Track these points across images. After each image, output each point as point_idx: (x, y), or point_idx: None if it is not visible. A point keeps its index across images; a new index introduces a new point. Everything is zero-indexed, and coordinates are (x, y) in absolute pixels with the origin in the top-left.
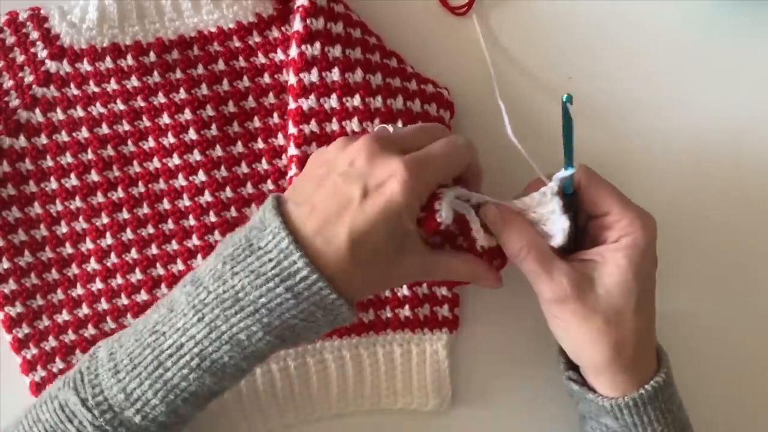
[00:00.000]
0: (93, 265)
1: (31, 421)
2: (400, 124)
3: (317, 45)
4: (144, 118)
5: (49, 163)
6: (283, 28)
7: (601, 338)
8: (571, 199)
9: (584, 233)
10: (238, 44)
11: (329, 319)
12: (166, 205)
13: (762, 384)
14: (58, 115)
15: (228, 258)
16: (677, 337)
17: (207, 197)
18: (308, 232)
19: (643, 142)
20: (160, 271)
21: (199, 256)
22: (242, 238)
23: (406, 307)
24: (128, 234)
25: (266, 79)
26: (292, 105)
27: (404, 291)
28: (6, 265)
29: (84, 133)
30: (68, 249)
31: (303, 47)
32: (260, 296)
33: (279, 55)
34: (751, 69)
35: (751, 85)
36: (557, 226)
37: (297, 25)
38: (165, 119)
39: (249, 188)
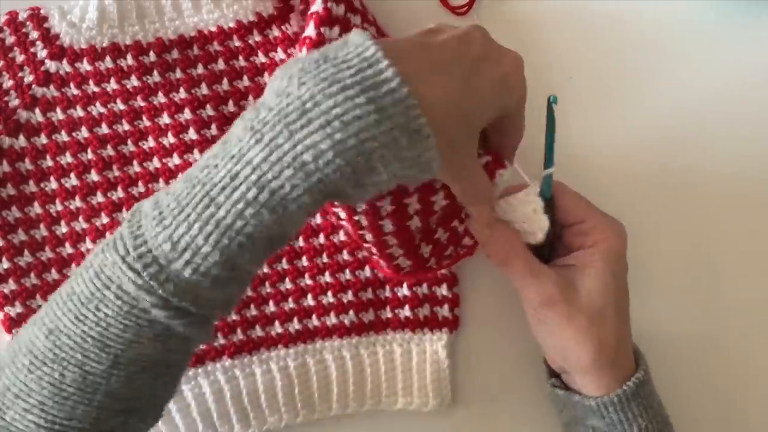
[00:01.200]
0: None
1: (65, 295)
2: None
3: None
4: (144, 118)
5: (49, 162)
6: (283, 27)
7: (586, 337)
8: (548, 203)
9: (559, 241)
10: (238, 43)
11: (413, 155)
12: None
13: (731, 385)
14: (58, 114)
15: (295, 73)
16: (648, 340)
17: None
18: (406, 63)
19: (641, 141)
20: None
21: None
22: (315, 56)
23: (406, 307)
24: None
25: (266, 78)
26: None
27: (404, 291)
28: (6, 265)
29: (84, 133)
30: (68, 249)
31: None
32: (334, 105)
33: (279, 54)
34: (753, 69)
35: (754, 85)
36: (537, 225)
37: (310, 31)
38: (165, 119)
39: None
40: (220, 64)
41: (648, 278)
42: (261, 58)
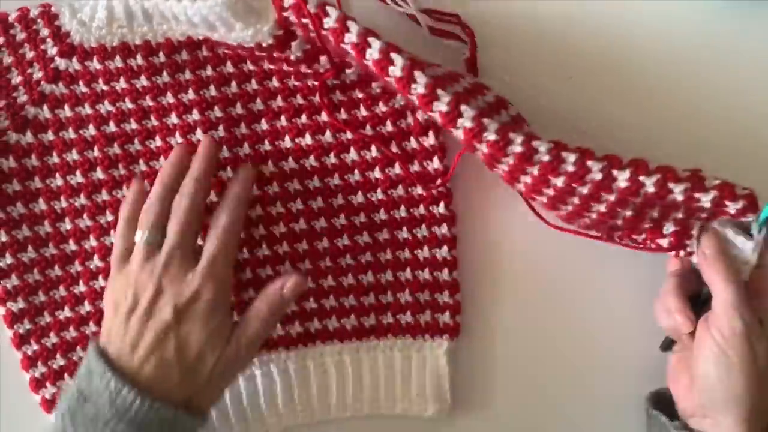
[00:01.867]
0: (96, 262)
1: None
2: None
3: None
4: (152, 118)
5: (55, 159)
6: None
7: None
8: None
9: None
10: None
11: (184, 430)
12: None
13: None
14: (66, 112)
15: (65, 412)
16: None
17: (212, 197)
18: (134, 366)
19: (641, 141)
20: None
21: None
22: (71, 390)
23: (408, 312)
24: None
25: (274, 82)
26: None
27: (406, 296)
28: (9, 260)
29: (91, 131)
30: (71, 246)
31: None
32: None
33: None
34: (754, 70)
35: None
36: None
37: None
38: (173, 119)
39: (254, 190)
40: (229, 67)
41: None
42: (268, 63)
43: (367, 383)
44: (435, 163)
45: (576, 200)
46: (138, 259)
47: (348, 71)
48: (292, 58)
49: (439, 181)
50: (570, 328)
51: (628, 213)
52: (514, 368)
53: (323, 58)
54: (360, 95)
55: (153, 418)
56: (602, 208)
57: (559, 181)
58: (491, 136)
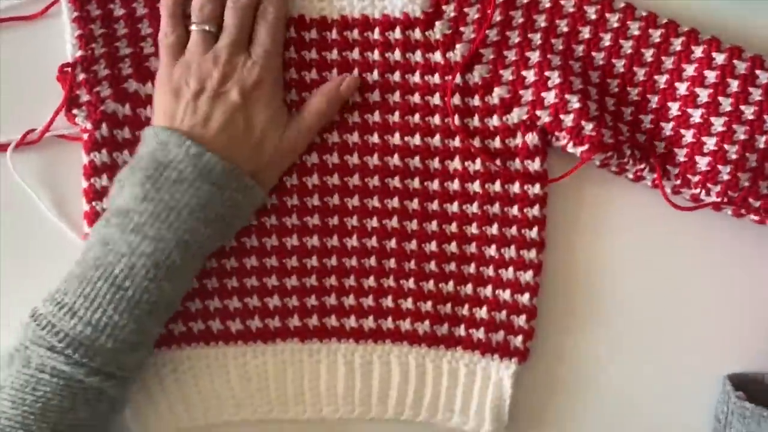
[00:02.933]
0: None
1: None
2: None
3: None
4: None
5: None
6: (426, 33)
7: None
8: None
9: None
10: (377, 37)
11: (249, 201)
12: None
13: None
14: None
15: (143, 180)
16: None
17: (314, 180)
18: (208, 138)
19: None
20: (253, 242)
21: (295, 236)
22: (145, 162)
23: (482, 329)
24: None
25: (396, 77)
26: None
27: (482, 314)
28: (105, 205)
29: None
30: None
31: None
32: (190, 198)
33: (416, 57)
34: None
35: None
36: None
37: None
38: (292, 95)
39: (356, 179)
40: (355, 53)
41: None
42: (396, 56)
43: (428, 390)
44: (536, 189)
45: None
46: (198, 50)
47: (477, 67)
48: (432, 40)
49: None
50: (636, 370)
51: None
52: (572, 396)
53: (459, 46)
54: (477, 104)
55: (232, 181)
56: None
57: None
58: None
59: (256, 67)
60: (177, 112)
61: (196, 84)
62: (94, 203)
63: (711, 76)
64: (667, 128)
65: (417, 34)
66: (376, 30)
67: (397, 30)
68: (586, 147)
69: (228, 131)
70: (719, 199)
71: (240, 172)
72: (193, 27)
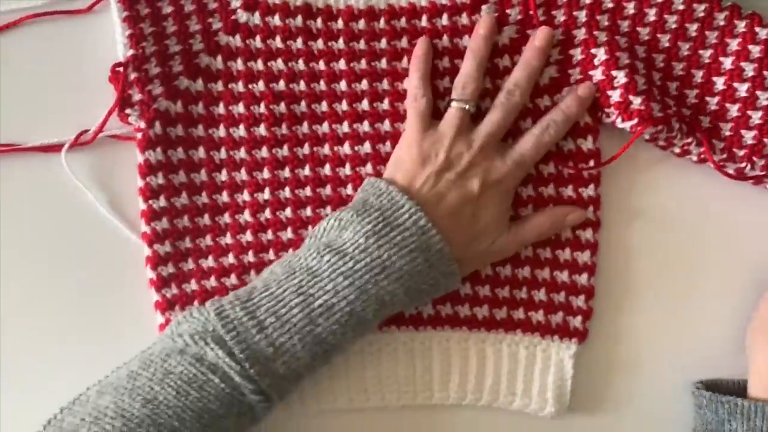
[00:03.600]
0: (246, 216)
1: (161, 373)
2: None
3: None
4: (321, 82)
5: (221, 110)
6: (473, 17)
7: None
8: None
9: None
10: (424, 24)
11: (447, 284)
12: (327, 170)
13: None
14: (238, 65)
15: (370, 233)
16: None
17: (368, 169)
18: (436, 217)
19: None
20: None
21: None
22: (374, 216)
23: (540, 312)
24: (286, 192)
25: (445, 62)
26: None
27: (541, 295)
28: (162, 203)
29: (260, 87)
30: (224, 197)
31: None
32: (404, 264)
33: (465, 41)
34: None
35: None
36: None
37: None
38: (342, 86)
39: None
40: (404, 42)
41: None
42: (444, 42)
43: (490, 374)
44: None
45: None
46: (454, 126)
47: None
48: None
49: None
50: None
51: None
52: (634, 377)
53: (506, 29)
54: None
55: (443, 263)
56: None
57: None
58: None
59: (504, 168)
60: (418, 179)
61: (444, 160)
62: (150, 201)
63: (755, 50)
64: (712, 102)
65: (464, 19)
66: (424, 17)
67: (444, 16)
68: (635, 121)
69: (455, 216)
70: (764, 173)
71: (451, 260)
72: (454, 103)
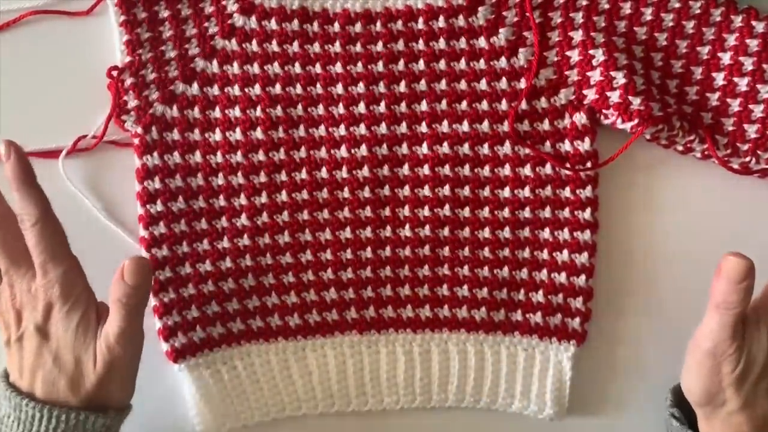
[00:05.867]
0: (243, 220)
1: None
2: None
3: None
4: (318, 85)
5: (217, 114)
6: (470, 19)
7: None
8: None
9: None
10: (421, 26)
11: (88, 428)
12: (324, 173)
13: None
14: (234, 69)
15: None
16: None
17: (365, 172)
18: (26, 386)
19: None
20: (307, 236)
21: (348, 228)
22: None
23: (539, 313)
24: (283, 196)
25: (441, 65)
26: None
27: (539, 297)
28: (159, 208)
29: (256, 90)
30: (221, 201)
31: None
32: None
33: (461, 44)
34: None
35: None
36: None
37: None
38: (338, 89)
39: (405, 170)
40: (400, 45)
41: None
42: (441, 45)
43: (488, 376)
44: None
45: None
46: None
47: (522, 50)
48: (476, 26)
49: (588, 164)
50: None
51: None
52: (631, 376)
53: (503, 31)
54: (524, 87)
55: (56, 425)
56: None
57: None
58: None
59: (40, 289)
60: (7, 360)
61: (4, 331)
62: (148, 206)
63: (753, 44)
64: (713, 98)
65: (461, 21)
66: (420, 20)
67: (441, 18)
68: (635, 121)
69: (41, 374)
70: None
71: (61, 413)
72: None
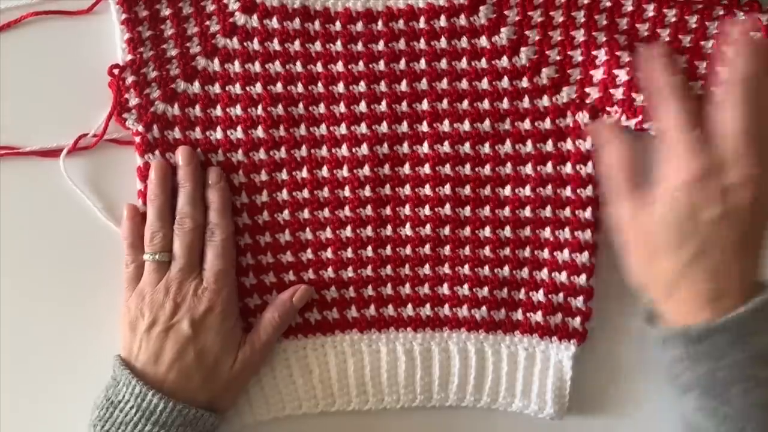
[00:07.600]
0: (244, 219)
1: None
2: None
3: None
4: (319, 84)
5: (218, 112)
6: (471, 18)
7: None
8: None
9: None
10: (423, 26)
11: (209, 424)
12: (325, 172)
13: None
14: (235, 67)
15: (96, 420)
16: None
17: (366, 171)
18: (159, 376)
19: None
20: (308, 235)
21: (349, 227)
22: (103, 399)
23: (539, 313)
24: (283, 195)
25: (443, 64)
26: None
27: (539, 297)
28: None
29: (257, 89)
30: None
31: None
32: None
33: (462, 43)
34: None
35: None
36: None
37: None
38: (339, 88)
39: (406, 169)
40: (401, 44)
41: None
42: (442, 44)
43: (489, 376)
44: (588, 168)
45: None
46: (151, 279)
47: (523, 49)
48: (477, 25)
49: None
50: None
51: None
52: (631, 376)
53: (504, 30)
54: (526, 85)
55: (176, 418)
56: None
57: None
58: None
59: (206, 293)
60: (133, 346)
61: (149, 316)
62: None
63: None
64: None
65: (462, 20)
66: (422, 19)
67: (443, 18)
68: (639, 118)
69: (178, 365)
70: None
71: (184, 408)
72: (146, 257)
